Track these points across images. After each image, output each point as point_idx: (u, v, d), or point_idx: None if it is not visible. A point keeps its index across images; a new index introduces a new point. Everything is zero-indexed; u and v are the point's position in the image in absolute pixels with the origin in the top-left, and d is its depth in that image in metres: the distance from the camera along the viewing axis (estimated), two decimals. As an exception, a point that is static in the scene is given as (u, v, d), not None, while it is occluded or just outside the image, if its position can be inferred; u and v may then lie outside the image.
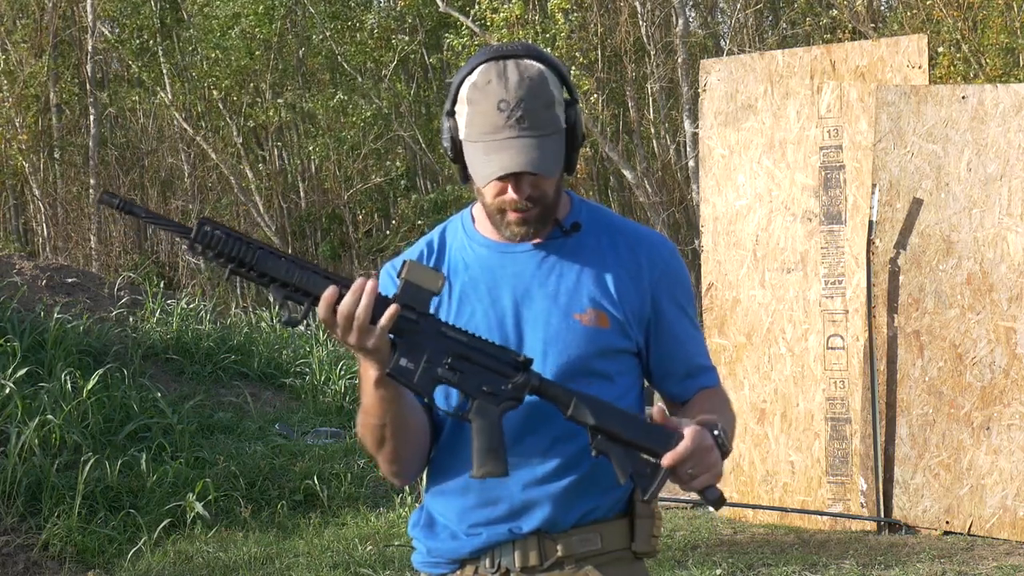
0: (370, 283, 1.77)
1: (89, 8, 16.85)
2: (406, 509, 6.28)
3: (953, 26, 13.93)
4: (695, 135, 13.46)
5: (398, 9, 18.50)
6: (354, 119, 17.87)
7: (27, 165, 17.17)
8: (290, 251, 15.96)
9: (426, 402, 1.93)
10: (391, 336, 1.81)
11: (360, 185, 18.40)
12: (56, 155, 17.92)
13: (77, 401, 6.67)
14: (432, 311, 1.85)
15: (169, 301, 9.37)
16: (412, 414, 1.92)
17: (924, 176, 5.63)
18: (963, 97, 5.58)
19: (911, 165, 5.65)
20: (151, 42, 18.10)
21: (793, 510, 5.98)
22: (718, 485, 1.84)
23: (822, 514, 5.89)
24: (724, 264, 6.24)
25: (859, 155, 5.92)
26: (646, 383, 2.06)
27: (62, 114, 18.12)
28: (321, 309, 1.78)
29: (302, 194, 18.62)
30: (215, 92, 18.14)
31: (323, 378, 8.79)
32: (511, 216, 1.92)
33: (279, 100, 18.03)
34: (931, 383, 5.60)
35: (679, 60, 15.35)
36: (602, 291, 1.96)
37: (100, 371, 7.00)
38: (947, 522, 5.56)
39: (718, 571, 5.06)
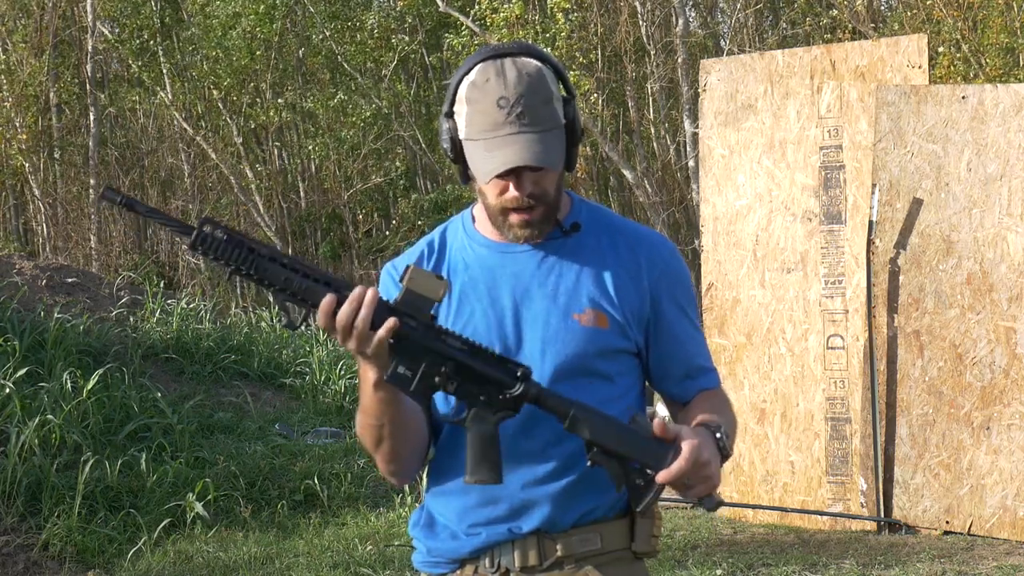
0: (370, 293, 1.76)
1: (89, 8, 16.85)
2: (406, 509, 6.28)
3: (953, 26, 13.93)
4: (695, 135, 13.46)
5: (398, 9, 18.50)
6: (354, 119, 17.87)
7: (27, 165, 17.17)
8: (290, 251, 15.98)
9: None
10: (391, 341, 1.81)
11: (360, 185, 18.40)
12: (56, 155, 17.93)
13: (77, 401, 6.67)
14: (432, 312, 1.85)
15: (169, 301, 9.38)
16: (410, 415, 1.92)
17: (924, 176, 5.63)
18: (963, 97, 5.58)
19: (911, 165, 5.65)
20: (151, 42, 18.10)
21: (793, 510, 5.98)
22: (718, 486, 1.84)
23: (822, 514, 5.89)
24: (724, 264, 6.24)
25: (859, 155, 5.92)
26: (647, 383, 2.06)
27: (62, 114, 18.13)
28: (319, 317, 1.77)
29: (302, 194, 18.63)
30: (215, 92, 18.14)
31: (323, 378, 8.79)
32: (513, 218, 1.92)
33: (279, 100, 18.03)
34: (931, 383, 5.60)
35: (679, 60, 15.35)
36: (601, 291, 1.96)
37: (100, 371, 7.00)
38: (947, 522, 5.56)
39: (718, 571, 5.06)
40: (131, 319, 8.72)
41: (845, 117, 5.96)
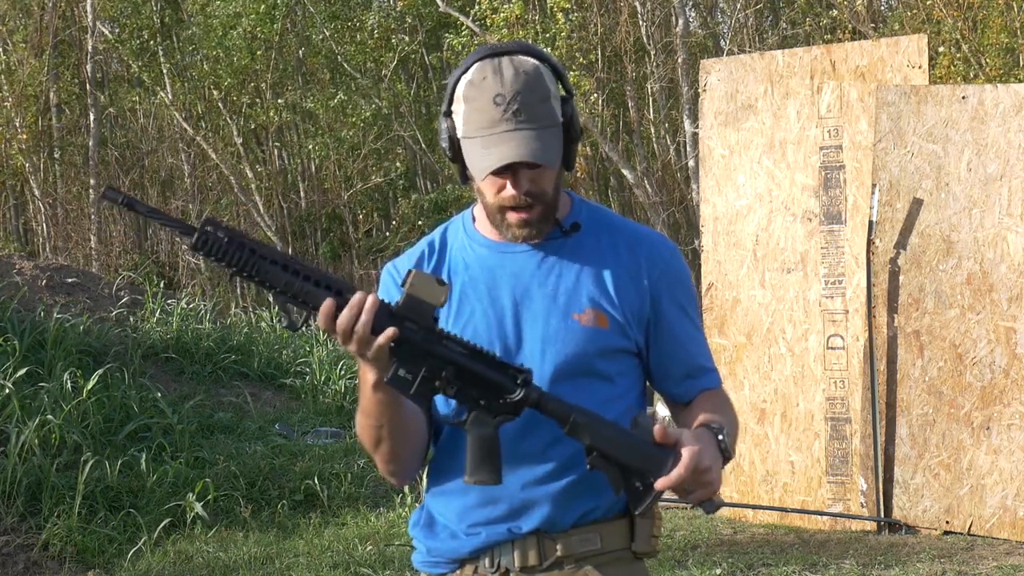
0: (370, 299, 1.76)
1: (89, 8, 16.85)
2: (406, 509, 6.28)
3: (953, 26, 13.93)
4: (695, 135, 13.46)
5: (398, 9, 18.49)
6: (354, 119, 17.88)
7: (27, 165, 17.17)
8: (290, 251, 15.97)
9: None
10: (391, 344, 1.80)
11: (360, 185, 18.40)
12: (56, 155, 17.92)
13: (77, 401, 6.67)
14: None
15: (169, 301, 9.38)
16: (410, 416, 1.92)
17: (924, 176, 5.63)
18: (963, 97, 5.58)
19: (911, 165, 5.65)
20: (151, 42, 18.09)
21: (793, 510, 5.98)
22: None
23: (822, 514, 5.89)
24: (724, 264, 6.24)
25: (859, 155, 5.92)
26: (648, 383, 2.06)
27: (62, 114, 18.13)
28: (320, 320, 1.78)
29: (302, 194, 18.63)
30: (215, 92, 18.14)
31: (323, 378, 8.79)
32: (512, 217, 1.92)
33: (279, 100, 18.03)
34: (931, 383, 5.60)
35: (679, 60, 15.34)
36: (601, 291, 1.96)
37: (100, 371, 7.00)
38: (947, 522, 5.56)
39: (718, 571, 5.06)
40: (131, 319, 8.72)
41: (845, 117, 5.96)
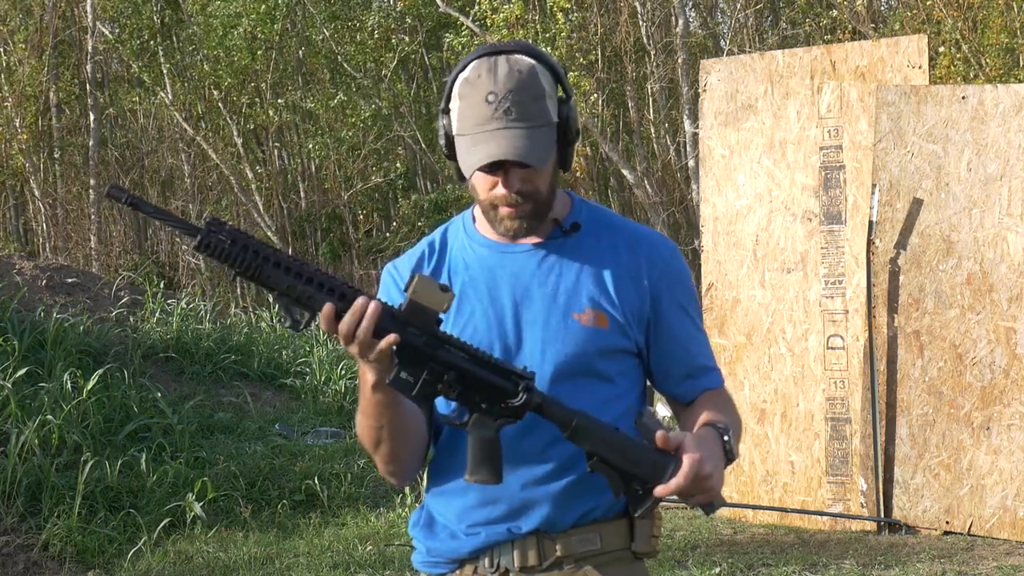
0: (372, 306, 1.76)
1: (89, 8, 16.85)
2: (406, 509, 6.27)
3: (953, 26, 13.93)
4: (695, 135, 13.46)
5: (398, 9, 18.49)
6: (354, 120, 17.88)
7: (27, 165, 17.17)
8: (290, 251, 15.98)
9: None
10: (393, 348, 1.80)
11: (360, 185, 18.40)
12: (56, 155, 17.92)
13: (77, 401, 6.67)
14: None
15: (169, 301, 9.37)
16: (410, 417, 1.92)
17: (924, 176, 5.63)
18: (963, 97, 5.58)
19: (911, 165, 5.65)
20: (151, 42, 18.09)
21: (793, 510, 5.98)
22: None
23: (822, 514, 5.88)
24: (724, 264, 6.24)
25: (859, 155, 5.92)
26: (648, 383, 2.06)
27: (62, 114, 18.12)
28: (322, 323, 1.78)
29: (302, 194, 18.62)
30: (215, 92, 18.14)
31: (323, 378, 8.79)
32: (503, 211, 1.92)
33: (279, 100, 18.03)
34: (931, 383, 5.60)
35: (679, 60, 15.34)
36: (601, 291, 1.96)
37: (100, 371, 7.00)
38: (947, 522, 5.56)
39: (718, 571, 5.06)
40: (131, 319, 8.71)
41: (845, 117, 5.96)
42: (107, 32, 18.14)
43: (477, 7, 15.24)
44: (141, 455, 6.42)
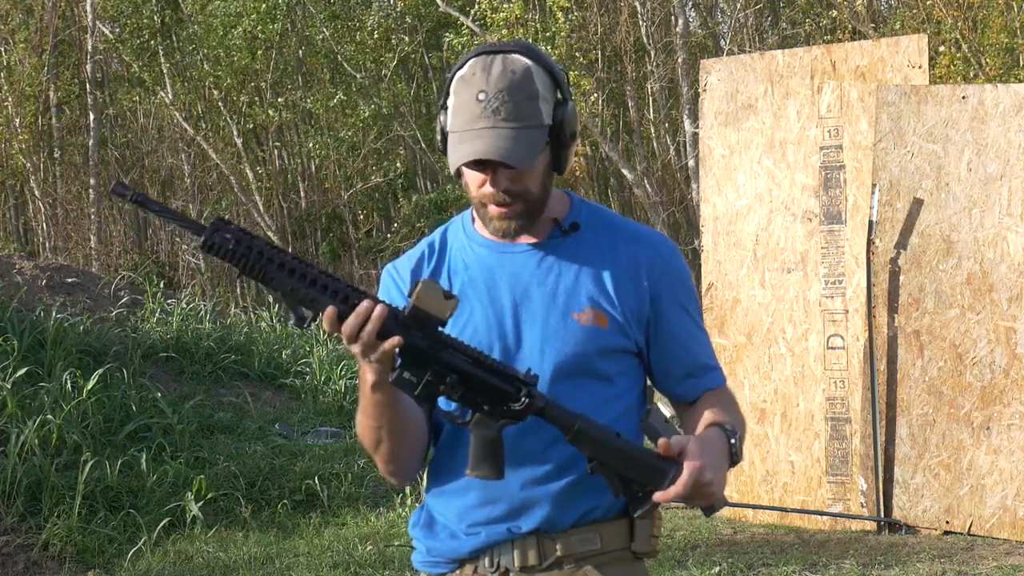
0: (378, 310, 1.75)
1: (89, 8, 16.84)
2: (406, 509, 6.28)
3: (953, 26, 13.93)
4: (695, 135, 13.46)
5: (398, 9, 18.49)
6: (353, 119, 17.88)
7: (27, 165, 17.17)
8: (290, 251, 15.94)
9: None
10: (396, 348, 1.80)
11: (360, 185, 18.40)
12: (56, 155, 17.91)
13: (77, 401, 6.67)
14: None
15: (169, 301, 9.38)
16: (410, 417, 1.92)
17: (924, 176, 5.63)
18: (963, 97, 5.58)
19: (911, 165, 5.65)
20: (151, 42, 18.09)
21: (793, 510, 5.98)
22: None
23: (822, 514, 5.88)
24: (724, 264, 6.24)
25: (859, 155, 5.91)
26: (649, 383, 2.06)
27: (62, 114, 18.12)
28: (324, 325, 1.78)
29: (302, 194, 18.62)
30: (215, 92, 18.14)
31: (323, 378, 8.79)
32: (492, 210, 1.92)
33: (279, 100, 18.03)
34: (931, 383, 5.60)
35: (679, 60, 15.34)
36: (600, 291, 1.96)
37: (100, 371, 7.00)
38: (947, 522, 5.56)
39: (717, 571, 5.06)
40: (131, 319, 8.72)
41: (845, 117, 5.96)
42: (107, 32, 18.14)
43: (477, 7, 15.24)
44: (141, 455, 6.42)
